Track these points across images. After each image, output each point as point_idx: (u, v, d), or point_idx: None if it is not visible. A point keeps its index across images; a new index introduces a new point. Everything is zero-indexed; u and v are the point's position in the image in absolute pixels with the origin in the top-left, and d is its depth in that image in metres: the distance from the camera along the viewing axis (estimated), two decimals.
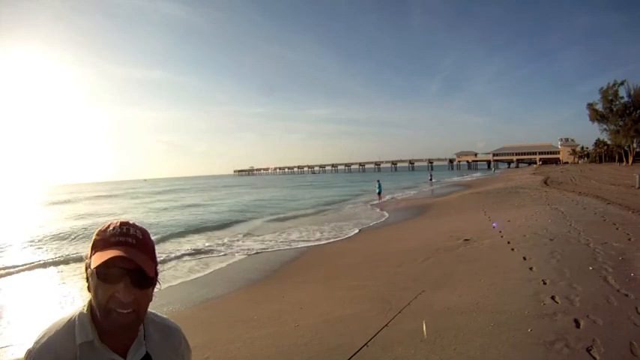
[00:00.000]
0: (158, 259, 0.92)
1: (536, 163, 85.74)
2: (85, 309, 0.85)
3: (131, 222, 0.88)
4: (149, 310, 0.94)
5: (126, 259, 0.79)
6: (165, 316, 1.00)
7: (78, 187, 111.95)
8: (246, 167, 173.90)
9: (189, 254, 9.28)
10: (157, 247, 0.93)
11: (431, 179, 39.47)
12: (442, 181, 39.51)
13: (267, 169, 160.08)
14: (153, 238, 0.92)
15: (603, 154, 67.16)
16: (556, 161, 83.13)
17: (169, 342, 0.95)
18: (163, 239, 11.83)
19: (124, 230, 0.85)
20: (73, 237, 13.14)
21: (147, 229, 0.90)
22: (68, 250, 10.83)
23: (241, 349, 3.58)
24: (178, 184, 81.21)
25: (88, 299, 0.84)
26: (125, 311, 0.79)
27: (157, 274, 0.88)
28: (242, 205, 22.90)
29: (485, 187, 23.70)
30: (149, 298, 0.86)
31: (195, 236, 12.40)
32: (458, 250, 6.70)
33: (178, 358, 0.96)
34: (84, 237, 13.02)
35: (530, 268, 4.87)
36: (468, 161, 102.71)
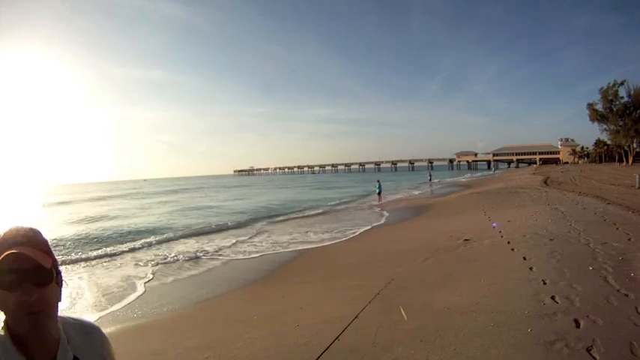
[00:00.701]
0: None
1: (536, 163, 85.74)
2: (2, 330, 0.82)
3: (19, 225, 0.87)
4: (65, 315, 0.92)
5: (19, 256, 0.78)
6: (79, 317, 0.98)
7: (78, 188, 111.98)
8: (246, 167, 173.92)
9: (190, 256, 9.29)
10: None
11: (430, 179, 39.49)
12: (442, 181, 39.56)
13: (267, 169, 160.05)
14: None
15: (603, 154, 67.14)
16: (556, 161, 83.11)
17: (92, 341, 0.94)
18: (169, 240, 11.83)
19: (13, 233, 0.84)
20: (83, 241, 13.16)
21: (37, 228, 0.89)
22: (80, 253, 10.85)
23: (241, 349, 3.59)
24: (180, 185, 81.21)
25: (3, 319, 0.81)
26: (34, 314, 0.77)
27: (58, 270, 0.86)
28: (245, 207, 22.90)
29: (485, 187, 23.71)
30: (57, 297, 0.84)
31: (198, 238, 12.40)
32: (458, 250, 6.70)
33: (104, 355, 0.95)
34: (90, 242, 13.05)
35: (530, 268, 4.87)
36: (468, 161, 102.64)
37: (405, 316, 3.22)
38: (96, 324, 1.00)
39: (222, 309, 5.28)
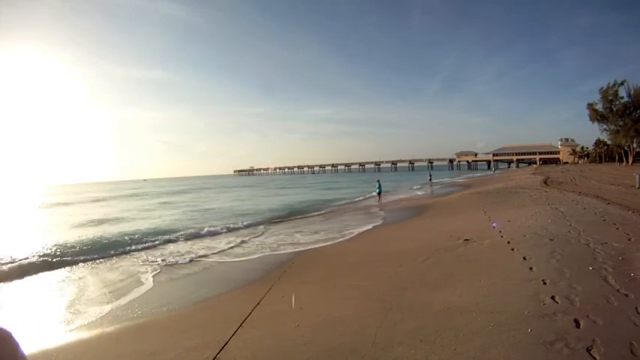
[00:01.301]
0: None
1: (536, 163, 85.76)
2: None
3: None
4: None
5: None
6: None
7: (78, 188, 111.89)
8: (246, 167, 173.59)
9: (190, 257, 9.30)
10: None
11: (430, 179, 39.59)
12: (442, 181, 39.61)
13: (267, 169, 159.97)
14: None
15: (603, 154, 67.13)
16: (556, 161, 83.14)
17: (7, 347, 0.92)
18: (169, 242, 11.82)
19: None
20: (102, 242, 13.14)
21: None
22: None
23: (241, 349, 3.59)
24: (180, 185, 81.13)
25: None
26: None
27: None
28: (246, 208, 22.88)
29: (485, 187, 23.72)
30: None
31: (198, 240, 12.40)
32: (458, 250, 6.70)
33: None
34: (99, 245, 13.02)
35: (530, 268, 4.88)
36: (467, 161, 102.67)
37: (294, 304, 3.33)
38: (7, 329, 0.97)
39: (222, 309, 5.28)
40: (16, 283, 7.65)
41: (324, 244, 9.73)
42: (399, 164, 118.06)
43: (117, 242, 11.80)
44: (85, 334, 4.61)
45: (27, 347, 0.85)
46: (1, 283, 7.53)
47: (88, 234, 14.03)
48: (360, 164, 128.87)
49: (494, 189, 20.30)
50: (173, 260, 8.74)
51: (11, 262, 9.14)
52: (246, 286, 6.45)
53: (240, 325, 2.73)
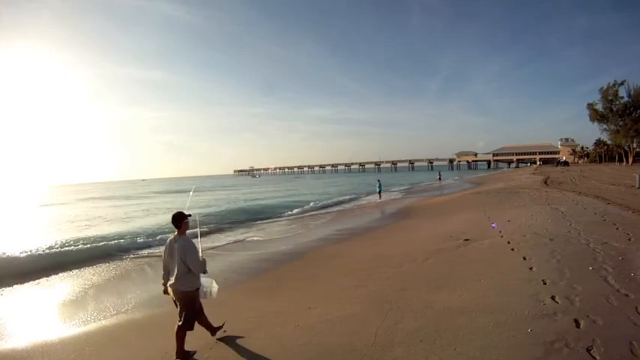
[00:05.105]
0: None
1: (536, 163, 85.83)
2: None
3: None
4: None
5: None
6: None
7: (81, 187, 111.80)
8: (246, 167, 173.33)
9: None
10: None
11: (440, 178, 40.41)
12: (451, 180, 41.03)
13: (267, 169, 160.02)
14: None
15: (603, 154, 67.13)
16: (557, 161, 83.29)
17: None
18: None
19: None
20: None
21: None
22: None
23: (241, 349, 3.59)
24: (181, 186, 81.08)
25: None
26: None
27: None
28: (246, 205, 22.86)
29: (493, 185, 23.77)
30: None
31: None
32: (458, 250, 6.70)
33: None
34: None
35: (530, 268, 4.88)
36: (467, 161, 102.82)
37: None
38: None
39: (222, 309, 5.27)
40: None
41: (324, 244, 9.72)
42: (399, 164, 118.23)
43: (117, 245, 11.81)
44: None
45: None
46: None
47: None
48: (360, 164, 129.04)
49: (494, 189, 20.30)
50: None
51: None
52: (246, 286, 6.43)
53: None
